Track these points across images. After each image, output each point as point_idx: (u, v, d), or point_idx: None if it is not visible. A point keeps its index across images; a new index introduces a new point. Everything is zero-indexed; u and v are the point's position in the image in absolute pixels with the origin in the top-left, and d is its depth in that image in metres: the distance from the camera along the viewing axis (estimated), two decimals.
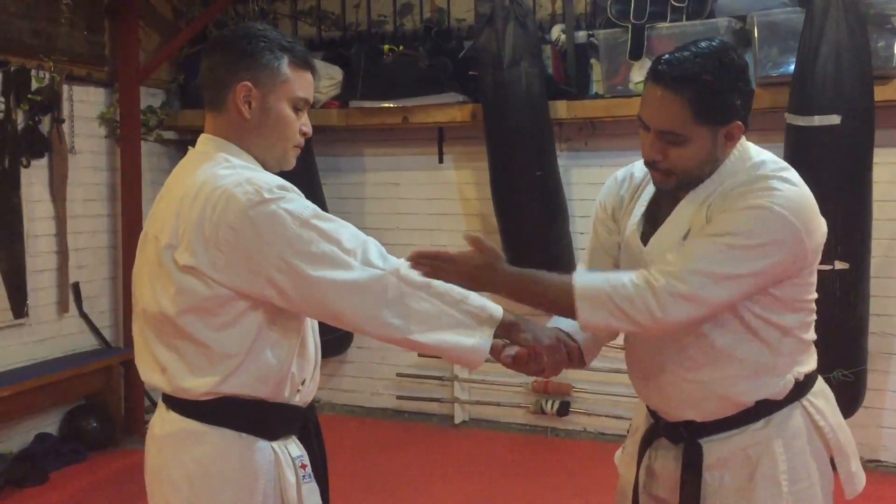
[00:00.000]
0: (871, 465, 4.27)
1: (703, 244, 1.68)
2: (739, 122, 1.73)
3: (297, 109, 1.78)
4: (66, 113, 4.65)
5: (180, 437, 1.72)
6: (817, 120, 3.68)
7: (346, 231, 1.67)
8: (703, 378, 1.79)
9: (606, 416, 4.73)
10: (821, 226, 1.77)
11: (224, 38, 1.78)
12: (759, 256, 1.66)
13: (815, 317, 1.86)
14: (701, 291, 1.65)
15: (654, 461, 1.94)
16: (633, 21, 4.23)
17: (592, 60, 4.57)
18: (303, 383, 1.79)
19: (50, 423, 4.65)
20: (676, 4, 4.20)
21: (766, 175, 1.74)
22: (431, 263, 1.70)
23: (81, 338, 4.86)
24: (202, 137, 1.79)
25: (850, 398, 3.92)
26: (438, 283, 1.70)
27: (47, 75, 4.48)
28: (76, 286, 4.79)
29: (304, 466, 1.78)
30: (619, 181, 1.99)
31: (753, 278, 1.68)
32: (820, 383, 1.91)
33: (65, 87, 4.62)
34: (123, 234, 4.94)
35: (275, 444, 1.75)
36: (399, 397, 5.23)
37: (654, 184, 1.83)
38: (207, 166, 1.68)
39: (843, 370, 3.80)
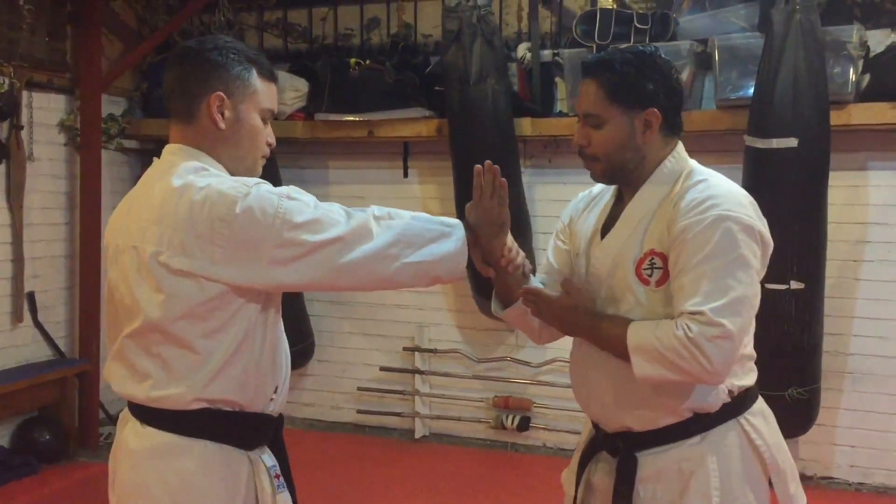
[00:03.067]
0: (825, 482, 4.36)
1: (695, 277, 1.71)
2: (655, 110, 1.82)
3: (263, 120, 1.81)
4: (25, 119, 4.58)
5: (161, 452, 1.70)
6: (775, 142, 3.76)
7: (314, 199, 1.70)
8: (636, 384, 1.79)
9: (566, 431, 4.76)
10: (759, 216, 1.83)
11: (193, 49, 1.78)
12: (747, 269, 1.72)
13: (751, 329, 1.86)
14: (731, 325, 1.67)
15: (592, 475, 1.96)
16: (597, 41, 4.29)
17: (557, 79, 4.63)
18: (275, 391, 1.80)
19: (2, 436, 4.55)
20: (640, 27, 4.28)
21: (698, 182, 1.82)
22: (535, 301, 1.89)
23: (36, 348, 4.76)
24: (171, 147, 1.78)
25: (804, 416, 3.99)
26: (401, 212, 1.75)
27: (7, 81, 4.41)
28: (31, 295, 4.70)
29: (277, 476, 1.81)
30: (580, 198, 2.10)
31: (753, 288, 1.74)
32: (760, 403, 1.92)
33: (24, 94, 4.55)
34: (81, 243, 4.87)
35: (251, 454, 1.77)
36: (360, 411, 5.20)
37: (591, 177, 1.94)
38: (183, 173, 1.68)
39: (797, 388, 3.88)
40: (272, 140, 1.85)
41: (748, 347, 1.88)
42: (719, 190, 1.79)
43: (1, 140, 4.46)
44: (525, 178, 4.64)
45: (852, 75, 3.91)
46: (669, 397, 1.80)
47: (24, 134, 4.57)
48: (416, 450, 4.95)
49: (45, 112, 4.76)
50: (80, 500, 4.06)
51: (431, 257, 1.72)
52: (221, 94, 1.73)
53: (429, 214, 1.79)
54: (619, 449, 1.88)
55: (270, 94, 1.82)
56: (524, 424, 4.81)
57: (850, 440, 4.34)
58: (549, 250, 2.11)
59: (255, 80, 1.77)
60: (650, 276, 1.81)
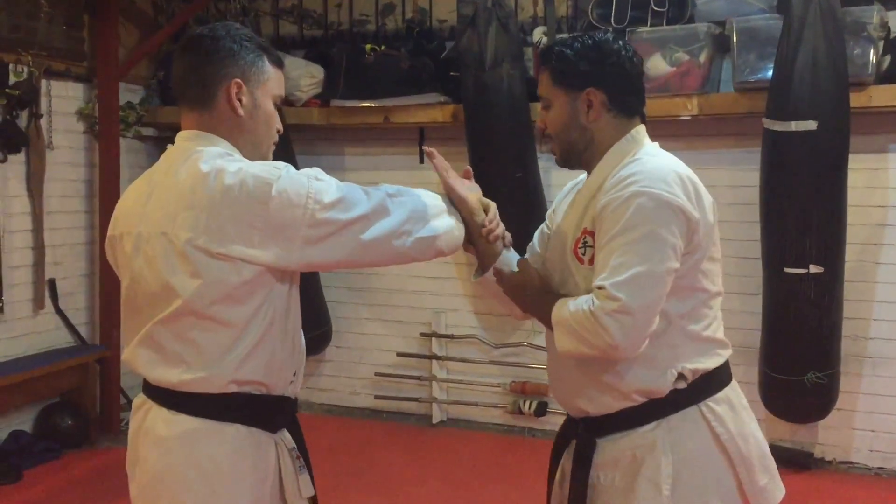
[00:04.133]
0: (844, 467, 4.34)
1: (607, 253, 1.72)
2: (593, 89, 1.85)
3: (275, 106, 1.84)
4: (44, 108, 4.61)
5: (193, 438, 1.72)
6: (794, 125, 3.73)
7: (335, 179, 1.75)
8: (588, 367, 1.81)
9: None
10: (694, 194, 1.76)
11: (207, 37, 1.78)
12: (656, 245, 1.69)
13: (714, 313, 1.84)
14: (629, 301, 1.65)
15: (565, 461, 1.96)
16: (614, 25, 4.26)
17: None
18: (294, 374, 1.85)
19: (24, 421, 4.61)
20: (657, 9, 4.24)
21: (633, 161, 1.82)
22: (498, 277, 1.94)
23: (57, 334, 4.82)
24: (186, 134, 1.80)
25: (823, 400, 3.98)
26: (408, 189, 1.83)
27: (25, 70, 4.44)
28: (52, 282, 4.75)
29: (298, 457, 1.85)
30: (567, 185, 2.12)
31: (664, 265, 1.69)
32: (728, 390, 1.87)
33: (43, 82, 4.58)
34: (101, 230, 4.90)
35: (275, 437, 1.81)
36: (377, 397, 5.23)
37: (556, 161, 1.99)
38: (209, 158, 1.70)
39: (816, 373, 3.86)
40: (280, 126, 1.88)
41: (708, 328, 1.83)
42: (645, 167, 1.77)
43: (20, 129, 4.50)
44: (541, 164, 4.62)
45: (872, 57, 3.86)
46: (613, 379, 1.79)
47: (43, 122, 4.60)
48: (434, 435, 4.97)
49: (64, 101, 4.79)
50: (102, 485, 4.10)
51: (436, 231, 1.80)
52: (239, 80, 1.76)
53: (433, 192, 1.88)
54: (579, 433, 1.88)
55: (279, 81, 1.86)
56: (541, 409, 4.81)
57: (869, 425, 4.31)
58: (535, 234, 2.15)
59: (268, 67, 1.81)
60: (584, 254, 1.83)
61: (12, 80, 4.38)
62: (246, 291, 1.67)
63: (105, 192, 4.89)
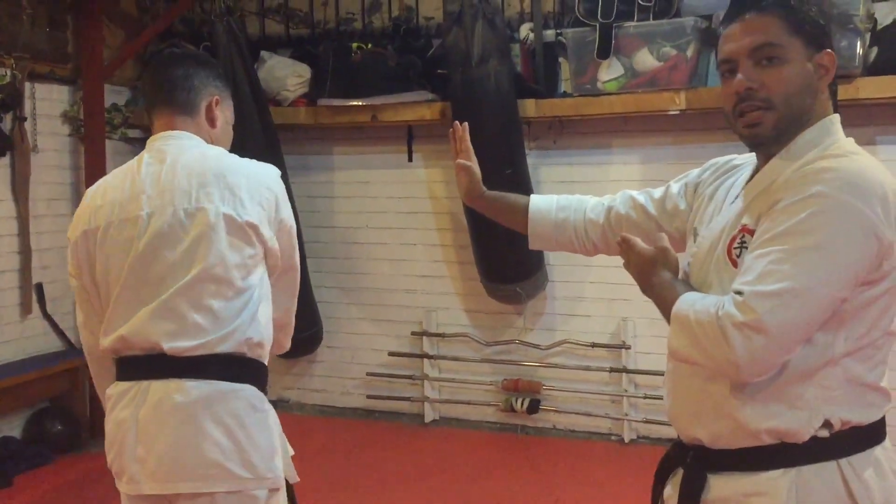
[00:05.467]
0: None
1: (760, 255, 1.44)
2: (831, 51, 1.55)
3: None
4: (28, 111, 4.58)
5: (214, 398, 1.86)
6: None
7: None
8: (714, 388, 1.54)
9: (576, 413, 4.76)
10: (894, 212, 1.44)
11: (200, 55, 2.16)
12: (828, 261, 1.40)
13: (883, 356, 1.52)
14: (768, 317, 1.38)
15: (669, 493, 1.70)
16: (600, 20, 4.25)
17: (561, 59, 4.59)
18: (270, 342, 2.05)
19: (14, 427, 4.58)
20: (643, 3, 4.23)
21: (828, 155, 1.49)
22: (627, 249, 1.66)
23: (45, 339, 4.78)
24: (178, 133, 1.99)
25: None
26: None
27: (8, 73, 4.41)
28: (39, 287, 4.72)
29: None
30: (719, 163, 1.82)
31: (828, 289, 1.40)
32: (879, 449, 1.53)
33: (27, 85, 4.55)
34: None
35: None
36: (369, 396, 5.21)
37: (746, 137, 1.57)
38: (222, 153, 2.00)
39: None
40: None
41: (873, 374, 1.50)
42: (845, 167, 1.45)
43: (5, 132, 4.46)
44: (530, 160, 4.61)
45: (859, 48, 3.86)
46: (744, 410, 1.51)
47: (27, 125, 4.57)
48: (426, 434, 4.96)
49: (49, 103, 4.76)
50: (93, 489, 4.08)
51: None
52: (218, 97, 2.05)
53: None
54: (688, 464, 1.62)
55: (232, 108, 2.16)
56: (534, 407, 4.80)
57: None
58: (658, 190, 1.90)
59: (229, 92, 2.12)
60: (738, 256, 1.52)
61: None
62: (255, 260, 1.91)
63: None
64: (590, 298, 4.72)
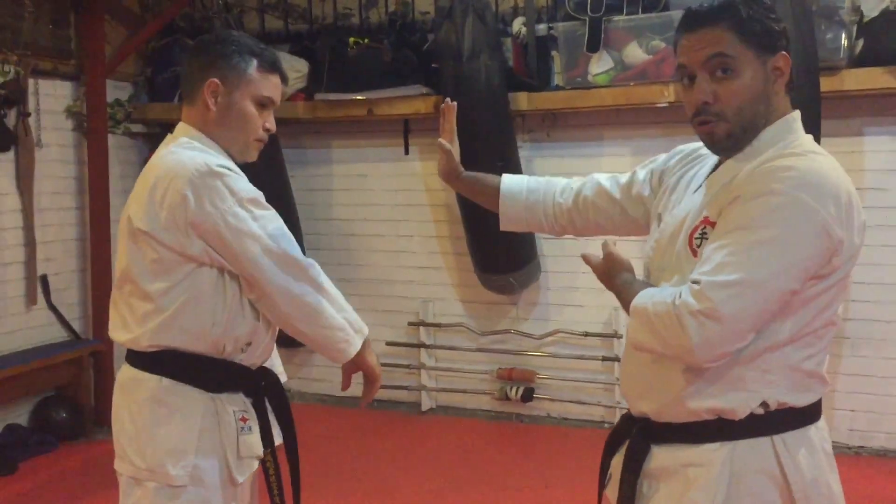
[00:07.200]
0: None
1: (718, 246, 1.49)
2: (785, 53, 1.57)
3: (262, 106, 2.00)
4: (32, 107, 4.67)
5: (129, 385, 1.98)
6: None
7: (276, 221, 1.95)
8: (662, 367, 1.61)
9: (570, 401, 4.83)
10: (846, 210, 1.50)
11: (202, 42, 2.05)
12: (781, 256, 1.45)
13: (824, 344, 1.59)
14: (721, 306, 1.43)
15: (615, 463, 1.80)
16: (590, 14, 4.31)
17: (553, 53, 4.65)
18: (248, 345, 1.99)
19: (20, 414, 4.69)
20: None
21: (788, 153, 1.53)
22: (587, 263, 1.76)
23: (50, 329, 4.89)
24: (179, 125, 2.02)
25: None
26: (334, 292, 2.07)
27: (12, 69, 4.50)
28: (44, 278, 4.82)
29: (244, 420, 2.00)
30: (684, 150, 1.88)
31: (780, 281, 1.46)
32: (812, 428, 1.60)
33: (30, 81, 4.64)
34: (91, 226, 4.98)
35: (214, 395, 1.96)
36: None
37: (705, 142, 1.64)
38: (174, 147, 1.94)
39: None
40: (271, 126, 2.03)
41: (812, 362, 1.57)
42: (802, 165, 1.49)
43: (9, 127, 4.56)
44: (523, 153, 4.68)
45: (845, 41, 3.91)
46: (688, 389, 1.57)
47: (31, 121, 4.66)
48: (423, 422, 5.05)
49: (52, 99, 4.86)
50: (97, 476, 4.17)
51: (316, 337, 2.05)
52: (217, 80, 1.95)
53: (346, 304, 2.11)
54: (634, 435, 1.70)
55: (270, 85, 2.01)
56: (528, 395, 4.88)
57: (849, 404, 4.38)
58: (624, 175, 1.96)
59: (253, 71, 1.98)
60: (699, 246, 1.57)
61: None
62: (165, 266, 1.87)
63: (94, 188, 4.96)
64: (582, 289, 4.78)
